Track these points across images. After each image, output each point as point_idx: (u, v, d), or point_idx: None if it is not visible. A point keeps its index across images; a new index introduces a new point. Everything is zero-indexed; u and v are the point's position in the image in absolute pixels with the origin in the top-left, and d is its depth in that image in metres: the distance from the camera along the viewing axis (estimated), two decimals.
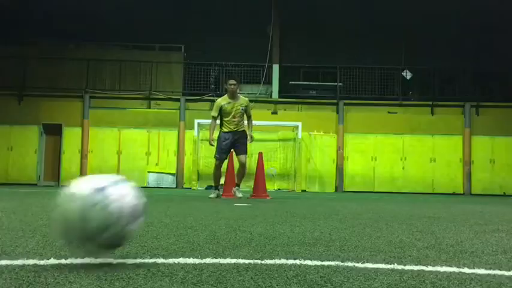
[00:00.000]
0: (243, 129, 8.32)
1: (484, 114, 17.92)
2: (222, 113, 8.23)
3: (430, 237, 3.05)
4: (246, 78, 18.41)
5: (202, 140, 17.19)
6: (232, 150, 8.42)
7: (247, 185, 14.47)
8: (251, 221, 3.88)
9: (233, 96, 8.22)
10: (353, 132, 17.81)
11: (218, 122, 8.40)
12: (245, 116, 8.38)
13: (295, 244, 2.61)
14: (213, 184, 8.62)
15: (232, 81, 8.24)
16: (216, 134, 8.38)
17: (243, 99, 8.31)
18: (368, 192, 16.97)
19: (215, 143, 8.32)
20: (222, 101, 8.28)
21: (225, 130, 8.23)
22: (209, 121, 17.87)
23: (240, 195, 8.20)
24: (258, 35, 18.54)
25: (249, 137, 8.36)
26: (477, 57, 18.80)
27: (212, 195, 8.17)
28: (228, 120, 8.19)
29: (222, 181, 8.87)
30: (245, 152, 8.31)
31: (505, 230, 3.65)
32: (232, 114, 8.16)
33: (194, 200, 7.92)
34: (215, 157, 8.29)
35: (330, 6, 19.10)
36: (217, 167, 8.29)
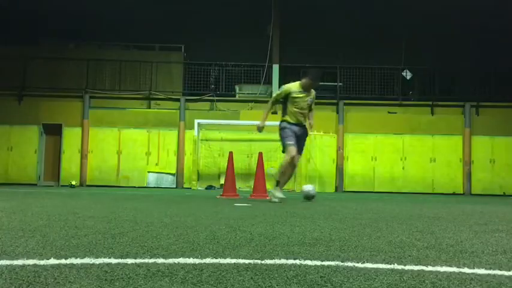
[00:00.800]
0: (305, 124, 7.48)
1: (484, 114, 17.92)
2: (289, 101, 7.33)
3: (430, 237, 3.05)
4: (246, 78, 18.42)
5: (202, 140, 17.21)
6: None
7: (247, 185, 14.51)
8: (251, 221, 3.88)
9: (307, 89, 7.41)
10: (353, 132, 17.81)
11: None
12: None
13: (295, 244, 2.61)
14: (277, 181, 7.35)
15: (318, 83, 7.63)
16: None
17: (313, 92, 7.52)
18: (368, 192, 16.97)
19: (262, 131, 7.60)
20: (293, 87, 7.37)
21: (292, 121, 7.31)
22: (209, 121, 17.75)
23: (282, 195, 7.23)
24: (258, 35, 18.55)
25: (310, 126, 7.51)
26: (477, 57, 18.80)
27: (277, 197, 7.13)
28: (296, 111, 7.29)
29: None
30: (301, 153, 7.56)
31: (505, 230, 3.65)
32: (301, 105, 7.32)
33: (194, 200, 7.91)
34: (288, 145, 7.19)
35: (330, 6, 19.10)
36: (293, 157, 7.15)
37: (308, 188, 8.07)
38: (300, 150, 7.39)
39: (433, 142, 17.76)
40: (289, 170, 7.32)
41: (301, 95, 7.32)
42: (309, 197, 7.82)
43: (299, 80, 7.47)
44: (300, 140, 7.41)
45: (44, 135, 17.79)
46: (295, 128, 7.32)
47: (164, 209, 5.19)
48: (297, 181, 16.74)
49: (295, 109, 7.31)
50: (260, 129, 7.63)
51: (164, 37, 18.84)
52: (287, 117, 7.35)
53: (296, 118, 7.33)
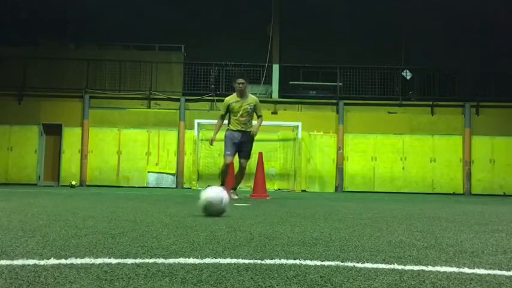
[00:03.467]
0: (250, 130, 8.14)
1: (484, 114, 17.92)
2: (230, 111, 8.10)
3: (430, 237, 3.05)
4: (246, 78, 18.40)
5: (202, 140, 17.21)
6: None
7: (247, 185, 14.50)
8: (251, 221, 3.88)
9: (241, 95, 8.10)
10: (353, 132, 17.81)
11: (226, 121, 8.27)
12: (255, 116, 8.23)
13: (295, 244, 2.61)
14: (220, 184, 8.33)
15: (240, 80, 8.12)
16: (221, 134, 8.26)
17: (251, 98, 8.18)
18: (368, 192, 16.97)
19: (214, 144, 8.27)
20: (230, 99, 8.14)
21: (233, 128, 8.08)
22: (209, 121, 17.82)
23: (236, 196, 7.95)
24: (258, 35, 18.55)
25: (253, 129, 8.14)
26: (477, 57, 18.80)
27: (234, 195, 7.85)
28: (236, 119, 8.04)
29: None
30: (247, 157, 8.20)
31: (505, 230, 3.65)
32: (240, 113, 8.01)
33: (194, 200, 7.91)
34: (225, 154, 8.09)
35: (329, 6, 19.10)
36: (228, 164, 8.11)
37: (213, 193, 4.30)
38: (245, 154, 8.12)
39: (433, 142, 17.76)
40: (238, 174, 8.15)
41: (237, 104, 8.05)
42: (209, 210, 4.27)
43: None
44: (243, 146, 8.08)
45: (44, 135, 17.78)
46: (236, 135, 8.02)
47: (164, 209, 5.19)
48: (297, 181, 16.75)
49: (235, 117, 8.06)
50: (212, 142, 8.25)
51: (164, 37, 18.84)
52: (229, 126, 8.15)
53: (236, 125, 8.06)
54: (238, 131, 8.03)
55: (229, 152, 8.02)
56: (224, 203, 4.20)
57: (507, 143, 17.63)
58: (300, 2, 19.18)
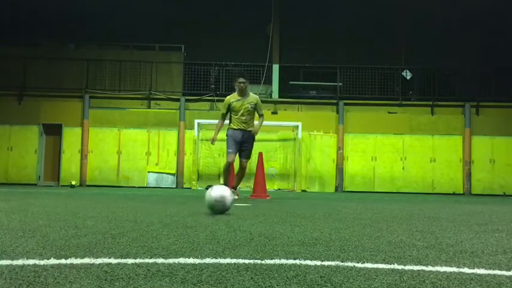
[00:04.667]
0: (251, 129, 8.15)
1: (484, 114, 17.92)
2: (231, 110, 8.14)
3: (430, 237, 3.05)
4: (246, 78, 18.39)
5: (202, 140, 17.21)
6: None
7: (247, 185, 14.50)
8: (251, 221, 3.88)
9: (242, 93, 8.12)
10: (353, 132, 17.81)
11: (226, 121, 8.28)
12: (257, 116, 8.24)
13: (295, 244, 2.61)
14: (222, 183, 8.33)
15: (241, 79, 8.13)
16: (223, 134, 8.28)
17: (252, 97, 8.19)
18: (368, 192, 16.97)
19: (215, 143, 8.27)
20: (231, 98, 8.17)
21: (234, 127, 8.11)
22: (209, 121, 17.80)
23: (236, 196, 7.91)
24: (258, 35, 18.55)
25: (254, 128, 8.16)
26: (477, 57, 18.80)
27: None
28: (237, 118, 8.08)
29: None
30: (248, 157, 8.24)
31: (505, 230, 3.65)
32: (241, 112, 8.06)
33: (194, 200, 7.91)
34: (228, 152, 8.08)
35: (329, 6, 19.11)
36: (230, 164, 8.11)
37: (218, 192, 4.48)
38: (246, 153, 8.16)
39: (433, 142, 17.76)
40: (239, 174, 8.15)
41: (238, 103, 8.08)
42: (215, 208, 4.49)
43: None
44: (245, 145, 8.12)
45: (44, 135, 17.78)
46: (238, 134, 8.06)
47: (164, 209, 5.19)
48: (297, 181, 16.75)
49: (235, 116, 8.09)
50: (212, 141, 8.25)
51: (164, 37, 18.84)
52: (231, 124, 8.17)
53: (237, 124, 8.08)
54: (240, 129, 8.07)
55: (231, 150, 8.04)
56: (229, 200, 4.45)
57: (507, 143, 17.64)
58: (300, 2, 19.18)
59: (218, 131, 8.21)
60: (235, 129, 8.09)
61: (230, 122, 8.19)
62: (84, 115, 17.71)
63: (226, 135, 8.15)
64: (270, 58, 18.29)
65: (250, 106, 8.09)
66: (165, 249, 2.33)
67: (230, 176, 8.27)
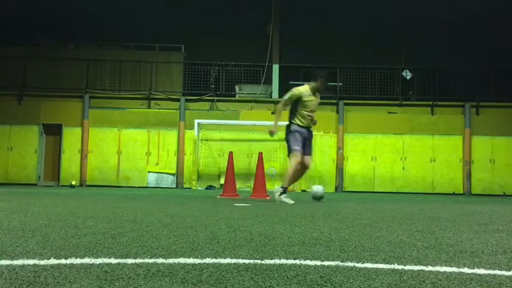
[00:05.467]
0: (311, 127, 7.53)
1: (484, 114, 17.91)
2: (300, 104, 7.28)
3: (430, 237, 3.05)
4: (246, 78, 18.42)
5: (202, 140, 17.21)
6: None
7: (247, 185, 14.51)
8: (251, 221, 3.88)
9: (320, 92, 7.54)
10: (353, 132, 17.81)
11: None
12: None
13: (295, 244, 2.61)
14: (284, 185, 7.29)
15: (326, 80, 7.57)
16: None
17: (318, 95, 7.55)
18: (368, 192, 16.97)
19: (274, 135, 7.48)
20: (304, 91, 7.32)
21: (302, 124, 7.28)
22: (209, 121, 17.69)
23: (286, 200, 7.06)
24: (258, 35, 18.54)
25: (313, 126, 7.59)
26: (477, 57, 18.80)
27: (289, 200, 7.04)
28: (307, 114, 7.31)
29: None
30: (311, 154, 7.61)
31: (505, 230, 3.65)
32: (311, 108, 7.37)
33: (194, 200, 7.91)
34: (294, 150, 7.19)
35: (329, 6, 19.10)
36: (298, 162, 7.18)
37: (317, 188, 8.59)
38: (308, 151, 7.39)
39: (433, 142, 17.76)
40: (299, 173, 7.41)
41: (311, 99, 7.34)
42: (317, 197, 8.32)
43: (302, 81, 7.60)
44: (307, 142, 7.39)
45: (44, 135, 17.78)
46: (305, 132, 7.32)
47: (164, 209, 5.19)
48: (297, 181, 16.73)
49: (306, 112, 7.30)
50: (272, 133, 7.44)
51: (164, 37, 18.84)
52: (297, 121, 7.30)
53: (307, 121, 7.32)
54: (305, 127, 7.34)
55: (298, 148, 7.19)
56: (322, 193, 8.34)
57: (507, 143, 17.63)
58: (300, 2, 19.18)
59: (279, 118, 7.43)
60: (303, 126, 7.29)
61: (294, 117, 7.31)
62: (84, 115, 17.71)
63: (291, 131, 7.26)
64: (270, 58, 18.29)
65: (317, 103, 7.60)
66: (165, 249, 2.33)
67: (296, 175, 7.47)
